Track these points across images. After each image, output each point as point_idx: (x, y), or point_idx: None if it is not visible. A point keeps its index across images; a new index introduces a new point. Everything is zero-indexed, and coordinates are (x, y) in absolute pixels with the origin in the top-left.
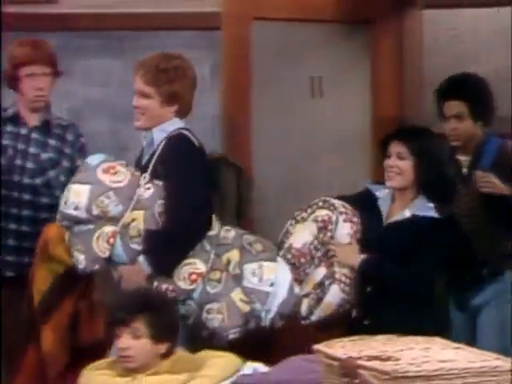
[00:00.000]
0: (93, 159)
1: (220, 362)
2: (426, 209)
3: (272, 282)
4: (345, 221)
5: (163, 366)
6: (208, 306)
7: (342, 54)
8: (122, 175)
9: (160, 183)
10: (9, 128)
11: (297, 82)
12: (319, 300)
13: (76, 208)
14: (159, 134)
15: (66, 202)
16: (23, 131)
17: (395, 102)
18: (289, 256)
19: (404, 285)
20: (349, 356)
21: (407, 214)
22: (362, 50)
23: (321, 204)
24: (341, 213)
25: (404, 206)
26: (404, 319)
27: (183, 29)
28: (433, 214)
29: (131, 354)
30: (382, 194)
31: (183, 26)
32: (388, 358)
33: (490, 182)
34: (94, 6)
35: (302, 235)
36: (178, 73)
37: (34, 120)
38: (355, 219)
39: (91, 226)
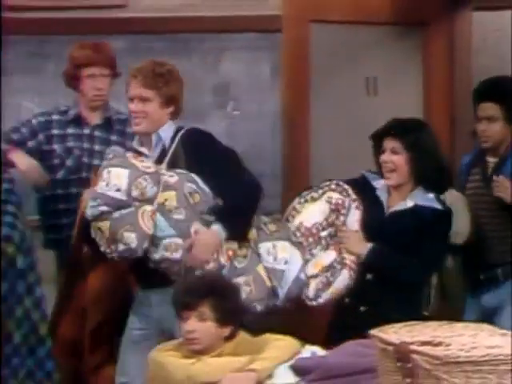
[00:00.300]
0: (116, 147)
1: (280, 345)
2: (427, 199)
3: (286, 260)
4: (356, 208)
5: (226, 348)
6: (235, 280)
7: (395, 55)
8: (148, 163)
9: (183, 171)
10: (71, 130)
11: (352, 83)
12: (329, 283)
13: (118, 190)
14: (166, 134)
15: (107, 184)
16: (86, 131)
17: (446, 102)
18: (298, 234)
19: (407, 275)
20: (402, 341)
21: (409, 203)
22: (415, 51)
23: (333, 187)
24: (353, 200)
25: (402, 197)
26: (401, 308)
27: (245, 31)
28: (435, 204)
29: (197, 337)
30: (378, 184)
31: (245, 29)
32: (439, 344)
33: (504, 188)
34: (160, 9)
35: (312, 215)
36: (172, 76)
37: (95, 119)
38: (361, 206)
39: (132, 209)
